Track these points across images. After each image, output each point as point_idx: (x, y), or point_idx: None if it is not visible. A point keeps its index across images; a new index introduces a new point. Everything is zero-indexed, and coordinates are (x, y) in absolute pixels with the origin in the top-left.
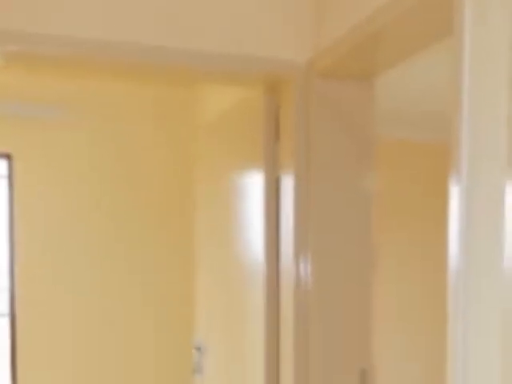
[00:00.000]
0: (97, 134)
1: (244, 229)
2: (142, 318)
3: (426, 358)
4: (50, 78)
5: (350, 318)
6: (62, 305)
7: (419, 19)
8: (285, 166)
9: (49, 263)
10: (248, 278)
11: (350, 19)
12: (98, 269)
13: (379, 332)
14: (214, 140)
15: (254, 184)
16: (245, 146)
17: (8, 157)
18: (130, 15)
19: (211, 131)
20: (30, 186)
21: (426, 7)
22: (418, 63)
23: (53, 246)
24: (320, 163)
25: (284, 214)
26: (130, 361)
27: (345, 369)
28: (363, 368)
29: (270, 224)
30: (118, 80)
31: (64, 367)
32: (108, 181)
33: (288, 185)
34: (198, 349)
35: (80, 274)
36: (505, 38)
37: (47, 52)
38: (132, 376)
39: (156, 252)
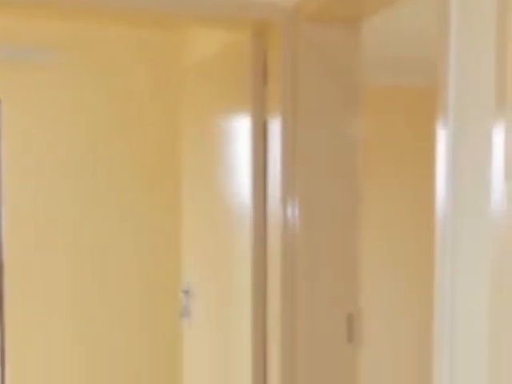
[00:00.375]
0: (86, 77)
1: (231, 172)
2: (129, 261)
3: (414, 304)
4: (39, 21)
5: (337, 263)
6: (50, 250)
7: None
8: (272, 110)
9: (37, 207)
10: (235, 221)
11: None
12: (86, 213)
13: (367, 277)
14: (202, 83)
15: (241, 127)
16: (232, 90)
17: None
18: None
19: (199, 74)
20: (19, 129)
21: None
22: (405, 8)
23: (42, 190)
24: (307, 107)
25: (271, 158)
26: (117, 304)
27: (332, 313)
28: (350, 313)
29: (258, 167)
30: (108, 22)
31: (53, 313)
32: (97, 123)
33: (275, 128)
34: (186, 292)
35: (69, 218)
36: None
37: None
38: (119, 319)
39: (143, 195)
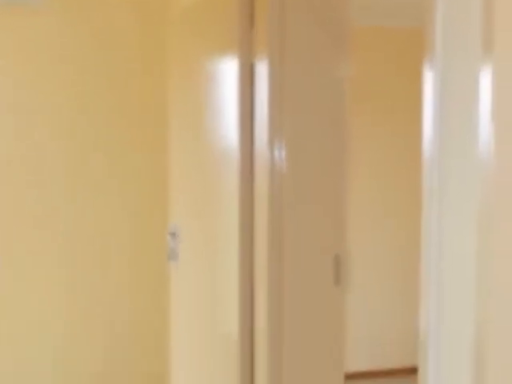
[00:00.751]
0: (71, 21)
1: (219, 114)
2: (116, 204)
3: (403, 246)
4: None
5: (324, 204)
6: (41, 186)
7: None
8: (259, 53)
9: (18, 150)
10: (222, 163)
11: None
12: (75, 154)
13: (355, 219)
14: (189, 26)
15: (228, 70)
16: (219, 32)
17: None
18: None
19: (186, 17)
20: (2, 74)
21: None
22: None
23: (23, 133)
24: (294, 49)
25: (258, 100)
26: (105, 247)
27: (319, 255)
28: (337, 254)
29: (245, 110)
30: None
31: (43, 256)
32: (85, 67)
33: (262, 71)
34: (173, 234)
35: (58, 160)
36: None
37: None
38: (107, 262)
39: (131, 138)
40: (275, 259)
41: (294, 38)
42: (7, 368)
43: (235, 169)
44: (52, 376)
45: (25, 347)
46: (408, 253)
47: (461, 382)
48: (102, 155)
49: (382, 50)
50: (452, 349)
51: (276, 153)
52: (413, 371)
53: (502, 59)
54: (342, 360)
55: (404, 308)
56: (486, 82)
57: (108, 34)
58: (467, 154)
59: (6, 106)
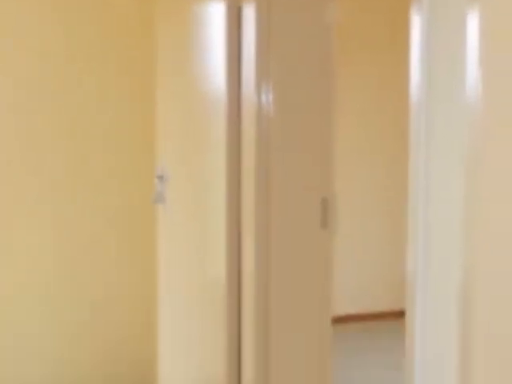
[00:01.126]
0: None
1: (206, 58)
2: (104, 147)
3: (389, 188)
4: None
5: (311, 147)
6: (30, 120)
7: None
8: None
9: (16, 97)
10: (210, 106)
11: None
12: (60, 100)
13: (344, 163)
14: None
15: (215, 13)
16: None
17: None
18: None
19: None
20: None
21: None
22: None
23: (16, 80)
24: None
25: (246, 44)
26: (92, 189)
27: (306, 197)
28: (324, 197)
29: (232, 53)
30: None
31: (32, 198)
32: (66, 14)
33: (250, 14)
34: (160, 177)
35: (47, 103)
36: None
37: None
38: (94, 205)
39: (119, 80)
40: (262, 202)
41: None
42: None
43: (222, 112)
44: (39, 326)
45: (12, 298)
46: (395, 196)
47: (448, 324)
48: (89, 100)
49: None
50: (439, 292)
51: (263, 97)
52: (401, 314)
53: (490, 2)
54: (329, 303)
55: (392, 251)
56: (473, 25)
57: None
58: (454, 98)
59: None
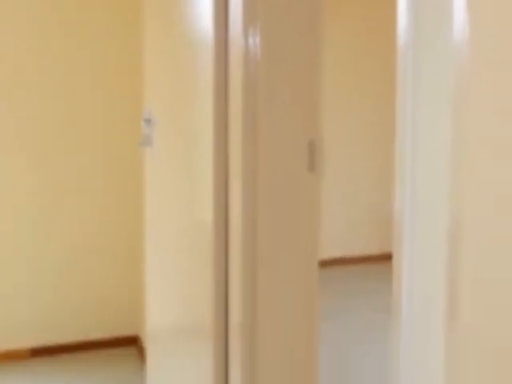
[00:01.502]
0: None
1: (193, 0)
2: (90, 90)
3: (377, 132)
4: None
5: (298, 90)
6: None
7: None
8: None
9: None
10: (197, 50)
11: None
12: (45, 36)
13: (330, 107)
14: None
15: None
16: None
17: None
18: None
19: None
20: None
21: None
22: None
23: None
24: None
25: None
26: (79, 131)
27: (293, 140)
28: (312, 139)
29: None
30: None
31: (19, 150)
32: None
33: None
34: (148, 121)
35: (36, 55)
36: None
37: None
38: (80, 146)
39: (105, 23)
40: (249, 145)
41: None
42: None
43: (209, 56)
44: (24, 273)
45: None
46: (383, 139)
47: (435, 267)
48: (76, 42)
49: None
50: (426, 235)
51: (250, 40)
52: (389, 257)
53: None
54: (317, 246)
55: (380, 194)
56: None
57: None
58: (442, 41)
59: None
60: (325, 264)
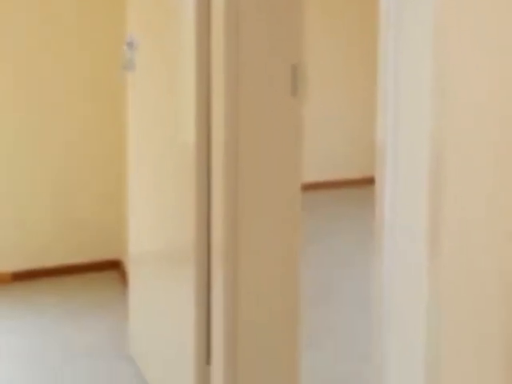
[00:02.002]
0: None
1: None
2: (73, 14)
3: (361, 58)
4: None
5: (280, 14)
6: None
7: None
8: None
9: None
10: None
11: None
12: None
13: (311, 31)
14: None
15: None
16: None
17: None
18: None
19: None
20: None
21: None
22: None
23: None
24: None
25: None
26: (62, 56)
27: (276, 64)
28: (294, 64)
29: None
30: None
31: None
32: None
33: None
34: (130, 44)
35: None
36: None
37: None
38: (64, 70)
39: None
40: (232, 68)
41: None
42: None
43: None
44: (5, 189)
45: None
46: (369, 64)
47: (417, 192)
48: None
49: None
50: (409, 161)
51: None
52: (371, 181)
53: None
54: (300, 170)
55: (363, 119)
56: None
57: None
58: None
59: None
60: (308, 187)
